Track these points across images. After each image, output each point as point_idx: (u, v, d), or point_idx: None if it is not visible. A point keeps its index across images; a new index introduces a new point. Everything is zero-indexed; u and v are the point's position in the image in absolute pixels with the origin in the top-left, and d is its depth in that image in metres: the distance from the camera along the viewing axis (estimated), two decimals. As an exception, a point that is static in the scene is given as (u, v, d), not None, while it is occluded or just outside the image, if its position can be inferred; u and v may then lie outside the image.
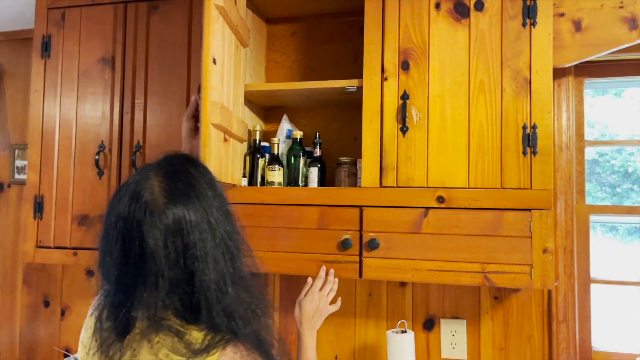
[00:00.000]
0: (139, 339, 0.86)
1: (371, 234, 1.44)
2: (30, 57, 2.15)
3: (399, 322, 1.61)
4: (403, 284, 1.74)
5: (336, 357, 1.78)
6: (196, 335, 0.85)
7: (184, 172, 0.91)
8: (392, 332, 1.57)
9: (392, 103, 1.45)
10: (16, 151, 2.13)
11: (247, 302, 0.90)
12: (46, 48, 1.72)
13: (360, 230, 1.45)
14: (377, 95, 1.47)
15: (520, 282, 1.34)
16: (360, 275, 1.44)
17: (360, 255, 1.44)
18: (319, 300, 1.31)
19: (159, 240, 0.83)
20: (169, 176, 0.89)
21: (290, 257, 1.50)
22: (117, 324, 0.87)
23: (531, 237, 1.33)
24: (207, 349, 0.83)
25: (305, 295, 1.43)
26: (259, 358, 0.86)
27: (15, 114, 2.17)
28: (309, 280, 1.45)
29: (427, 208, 1.40)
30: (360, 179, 1.54)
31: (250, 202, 1.54)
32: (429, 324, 1.71)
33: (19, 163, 2.12)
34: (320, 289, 1.44)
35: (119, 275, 0.87)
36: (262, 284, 1.00)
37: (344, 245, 1.44)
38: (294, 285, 1.83)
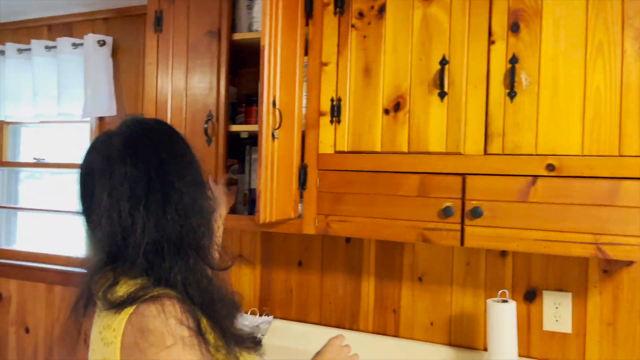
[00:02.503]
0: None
1: (474, 202, 1.41)
2: (140, 32, 2.30)
3: (500, 292, 1.59)
4: (504, 254, 1.70)
5: (432, 324, 1.79)
6: (122, 288, 0.89)
7: (142, 134, 0.99)
8: (493, 301, 1.56)
9: (499, 67, 1.40)
10: (130, 121, 2.30)
11: (191, 266, 0.93)
12: (158, 23, 1.83)
13: (463, 198, 1.43)
14: (482, 59, 1.42)
15: (637, 254, 1.27)
16: (462, 243, 1.43)
17: (462, 223, 1.43)
18: (340, 350, 1.17)
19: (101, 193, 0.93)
20: (126, 138, 0.98)
21: (389, 224, 1.52)
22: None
23: (652, 208, 1.25)
24: (121, 305, 0.86)
25: (330, 341, 1.20)
26: (178, 322, 0.85)
27: (128, 86, 2.34)
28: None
29: (536, 176, 1.35)
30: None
31: (349, 169, 1.57)
32: (531, 295, 1.67)
33: (132, 132, 2.30)
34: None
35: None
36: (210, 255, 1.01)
37: (445, 213, 1.44)
38: (389, 252, 1.86)
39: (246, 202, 1.94)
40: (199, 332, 0.87)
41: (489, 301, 1.56)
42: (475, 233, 1.41)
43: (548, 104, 1.36)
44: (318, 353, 1.15)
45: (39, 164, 2.61)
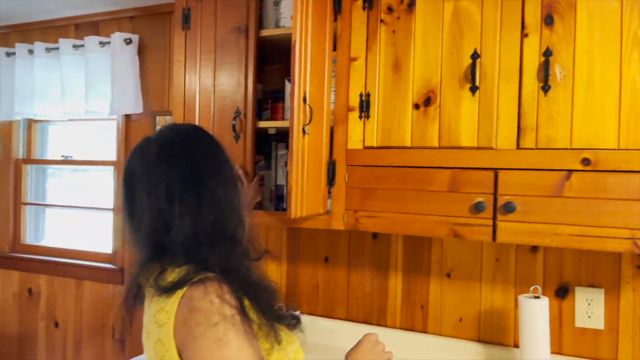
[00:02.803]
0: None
1: (507, 197, 1.40)
2: (166, 29, 2.32)
3: (532, 288, 1.57)
4: (534, 249, 1.69)
5: (460, 320, 1.79)
6: (171, 275, 0.97)
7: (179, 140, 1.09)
8: (525, 297, 1.54)
9: (532, 61, 1.39)
10: (157, 117, 2.32)
11: (227, 253, 1.02)
12: (186, 20, 1.84)
13: (495, 193, 1.42)
14: (515, 52, 1.41)
15: (676, 250, 1.25)
16: (494, 238, 1.42)
17: (494, 218, 1.42)
18: (375, 344, 1.19)
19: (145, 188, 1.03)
20: (162, 143, 1.07)
21: (419, 219, 1.51)
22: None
23: (692, 203, 1.22)
24: (171, 289, 0.94)
25: (365, 336, 1.21)
26: (223, 302, 0.92)
27: (154, 84, 2.36)
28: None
29: (570, 171, 1.34)
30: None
31: (378, 164, 1.57)
32: (562, 292, 1.65)
33: (159, 129, 2.32)
34: None
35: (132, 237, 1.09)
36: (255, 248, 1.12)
37: (477, 208, 1.43)
38: (416, 248, 1.85)
39: (272, 198, 1.95)
40: (242, 311, 0.95)
41: (520, 297, 1.55)
42: (507, 228, 1.40)
43: (583, 97, 1.34)
44: (355, 347, 1.18)
45: (66, 161, 2.65)
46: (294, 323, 1.11)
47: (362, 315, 1.94)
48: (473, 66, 1.44)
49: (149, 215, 1.01)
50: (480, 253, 1.76)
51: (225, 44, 1.81)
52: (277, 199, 1.92)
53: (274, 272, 2.10)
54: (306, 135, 1.48)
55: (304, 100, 1.46)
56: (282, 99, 1.89)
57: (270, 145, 1.94)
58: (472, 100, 1.45)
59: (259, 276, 1.08)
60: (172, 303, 0.94)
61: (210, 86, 1.83)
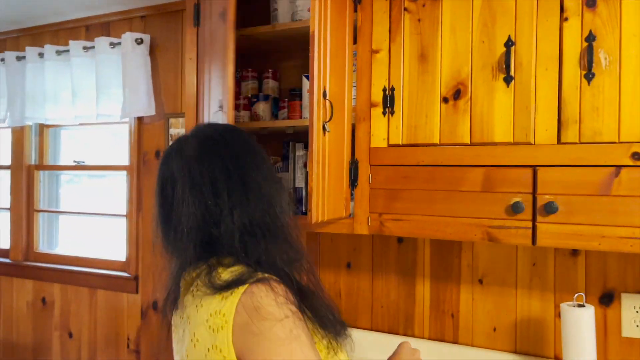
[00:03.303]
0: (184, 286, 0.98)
1: (547, 196, 1.28)
2: (178, 28, 2.24)
3: (576, 295, 1.45)
4: (575, 253, 1.56)
5: (495, 329, 1.66)
6: (224, 274, 0.92)
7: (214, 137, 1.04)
8: (568, 305, 1.42)
9: (573, 46, 1.27)
10: (170, 120, 2.24)
11: (282, 250, 0.97)
12: (197, 17, 1.75)
13: (534, 192, 1.30)
14: (554, 38, 1.29)
15: None
16: (534, 242, 1.30)
17: (534, 220, 1.30)
18: (413, 352, 1.12)
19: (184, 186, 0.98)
20: (201, 139, 1.04)
21: (450, 222, 1.40)
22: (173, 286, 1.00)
23: None
24: (229, 287, 0.89)
25: (402, 344, 1.16)
26: (286, 300, 0.89)
27: (167, 85, 2.28)
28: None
29: (619, 166, 1.21)
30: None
31: (404, 163, 1.46)
32: (607, 299, 1.52)
33: (172, 131, 2.24)
34: None
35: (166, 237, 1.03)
36: (300, 237, 1.07)
37: (514, 209, 1.31)
38: (445, 252, 1.73)
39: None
40: (301, 310, 0.92)
41: (563, 305, 1.43)
42: (549, 231, 1.28)
43: (631, 85, 1.21)
44: (393, 354, 1.12)
45: (79, 167, 2.59)
46: (343, 332, 1.04)
47: (387, 324, 1.83)
48: (507, 54, 1.32)
49: (195, 212, 0.96)
50: (515, 257, 1.64)
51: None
52: (296, 202, 1.82)
53: (294, 279, 1.99)
54: (327, 134, 1.38)
55: (324, 95, 1.36)
56: (300, 96, 1.80)
57: (287, 146, 1.84)
58: (507, 92, 1.33)
59: (313, 280, 1.03)
60: (229, 305, 0.88)
61: (224, 84, 1.73)
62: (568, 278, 1.57)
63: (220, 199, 0.96)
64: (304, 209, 1.79)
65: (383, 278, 1.84)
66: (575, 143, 1.26)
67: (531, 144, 1.31)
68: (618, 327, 1.50)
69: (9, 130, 2.69)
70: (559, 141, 1.28)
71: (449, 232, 1.40)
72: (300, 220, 1.63)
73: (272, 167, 1.09)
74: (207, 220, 0.96)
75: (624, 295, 1.50)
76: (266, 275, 0.92)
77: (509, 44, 1.32)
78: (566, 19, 1.27)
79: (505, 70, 1.33)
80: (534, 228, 1.30)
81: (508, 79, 1.33)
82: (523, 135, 1.32)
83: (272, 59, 2.02)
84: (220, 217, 0.95)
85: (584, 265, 1.55)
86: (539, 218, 1.29)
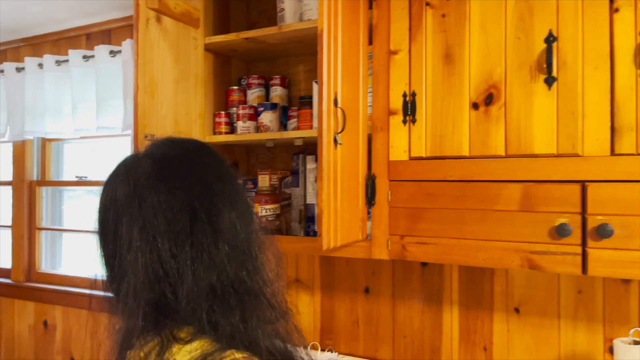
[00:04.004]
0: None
1: (599, 217, 1.09)
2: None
3: (632, 330, 1.24)
4: (626, 281, 1.36)
5: (534, 365, 1.46)
6: (179, 355, 0.68)
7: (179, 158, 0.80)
8: (622, 341, 1.22)
9: (626, 42, 1.08)
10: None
11: (265, 317, 0.74)
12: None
13: (583, 212, 1.11)
14: (604, 32, 1.10)
15: None
16: (584, 271, 1.10)
17: (584, 244, 1.10)
18: None
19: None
20: (157, 159, 0.78)
21: (484, 246, 1.21)
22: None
23: None
24: None
25: None
26: None
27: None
28: None
29: (689, 182, 1.02)
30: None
31: (429, 178, 1.28)
32: (667, 333, 1.31)
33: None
34: None
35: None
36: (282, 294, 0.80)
37: (560, 232, 1.12)
38: (476, 277, 1.54)
39: (302, 220, 1.68)
40: None
41: (616, 342, 1.22)
42: (602, 258, 1.08)
43: (701, 84, 1.02)
44: None
45: (81, 182, 2.46)
46: None
47: (410, 356, 1.64)
48: (548, 52, 1.14)
49: (144, 264, 0.71)
50: (557, 284, 1.44)
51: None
52: (307, 220, 1.65)
53: (306, 303, 1.82)
54: (338, 146, 1.21)
55: (335, 103, 1.19)
56: (311, 104, 1.63)
57: (297, 159, 1.68)
58: (549, 95, 1.15)
59: (290, 346, 0.78)
60: None
61: (227, 93, 1.58)
62: (619, 308, 1.36)
63: (179, 247, 0.71)
64: (316, 229, 1.62)
65: (405, 305, 1.65)
66: (632, 154, 1.07)
67: (579, 156, 1.12)
68: (681, 366, 1.29)
69: (10, 144, 2.58)
70: (612, 152, 1.09)
71: (481, 258, 1.22)
72: (309, 243, 1.46)
73: (247, 196, 0.84)
74: (160, 277, 0.70)
75: (687, 329, 1.29)
76: (237, 356, 0.67)
77: (550, 39, 1.14)
78: (616, 10, 1.09)
79: (547, 70, 1.14)
80: (584, 254, 1.11)
81: (550, 81, 1.14)
82: (569, 146, 1.13)
83: (279, 64, 1.87)
84: (178, 274, 0.70)
85: (637, 294, 1.34)
86: (589, 242, 1.10)
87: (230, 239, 0.74)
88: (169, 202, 0.73)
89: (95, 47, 2.16)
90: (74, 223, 2.60)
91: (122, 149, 2.37)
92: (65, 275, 2.48)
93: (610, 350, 1.36)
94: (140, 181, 0.75)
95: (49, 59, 2.30)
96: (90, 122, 2.21)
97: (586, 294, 1.40)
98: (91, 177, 2.44)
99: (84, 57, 2.22)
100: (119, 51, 2.14)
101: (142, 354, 0.70)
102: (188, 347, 0.68)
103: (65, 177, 2.59)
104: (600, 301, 1.38)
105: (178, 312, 0.70)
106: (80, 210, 2.61)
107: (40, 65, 2.33)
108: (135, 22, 1.35)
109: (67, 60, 2.26)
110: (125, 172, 0.78)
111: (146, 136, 1.38)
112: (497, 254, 1.20)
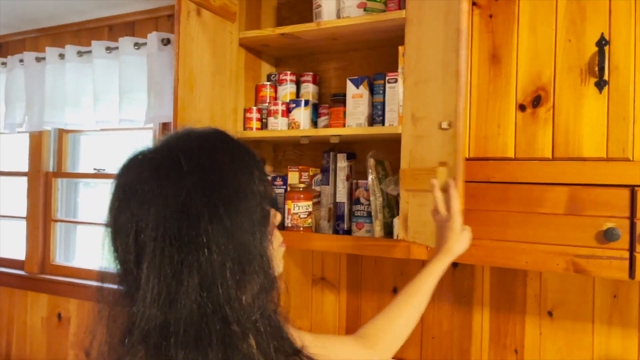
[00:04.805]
0: None
1: (649, 222, 1.09)
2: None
3: (675, 338, 1.24)
4: (663, 286, 1.36)
5: (566, 369, 1.46)
6: None
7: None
8: (664, 349, 1.22)
9: (683, 46, 1.07)
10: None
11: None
12: (234, 12, 1.59)
13: (632, 217, 1.10)
14: (658, 37, 1.09)
15: None
16: (632, 275, 1.10)
17: (632, 249, 1.10)
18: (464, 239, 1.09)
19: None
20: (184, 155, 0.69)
21: (527, 249, 1.21)
22: None
23: None
24: None
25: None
26: None
27: (194, 89, 2.12)
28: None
29: None
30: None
31: (471, 179, 1.27)
32: None
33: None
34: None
35: None
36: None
37: (608, 236, 1.11)
38: (508, 279, 1.54)
39: (330, 218, 1.67)
40: None
41: (658, 349, 1.22)
42: (651, 263, 1.08)
43: None
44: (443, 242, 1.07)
45: (99, 175, 2.44)
46: None
47: (438, 357, 1.63)
48: (600, 55, 1.13)
49: (146, 276, 0.63)
50: (592, 288, 1.44)
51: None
52: (337, 219, 1.64)
53: (332, 303, 1.81)
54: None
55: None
56: (344, 102, 1.62)
57: (329, 157, 1.67)
58: (599, 99, 1.14)
59: None
60: None
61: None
62: (656, 314, 1.36)
63: (183, 265, 0.63)
64: (345, 227, 1.61)
65: (434, 306, 1.64)
66: (685, 159, 1.07)
67: (629, 160, 1.11)
68: None
69: (27, 135, 2.55)
70: (664, 157, 1.09)
71: (524, 261, 1.21)
72: (345, 241, 1.45)
73: (265, 201, 0.73)
74: (155, 294, 0.63)
75: None
76: None
77: (602, 43, 1.13)
78: (674, 13, 1.08)
79: (598, 73, 1.14)
80: (631, 259, 1.10)
81: (601, 84, 1.14)
82: (619, 150, 1.12)
83: (308, 61, 1.86)
84: (179, 291, 0.63)
85: (675, 300, 1.34)
86: (638, 247, 1.09)
87: (247, 253, 0.66)
88: (188, 199, 0.65)
89: (120, 39, 2.14)
90: (88, 215, 2.58)
91: (144, 142, 2.35)
92: (79, 267, 2.46)
93: (646, 356, 1.36)
94: (158, 175, 0.68)
95: (70, 50, 2.27)
96: (112, 114, 2.19)
97: (622, 299, 1.40)
98: (109, 170, 2.42)
99: (107, 48, 2.20)
100: (144, 44, 2.12)
101: None
102: None
103: (81, 169, 2.57)
104: (637, 306, 1.38)
105: (173, 330, 0.62)
106: (96, 203, 2.58)
107: (62, 56, 2.31)
108: (177, 15, 1.34)
109: (89, 52, 2.24)
110: (142, 164, 0.71)
111: (185, 130, 1.36)
112: (540, 257, 1.19)
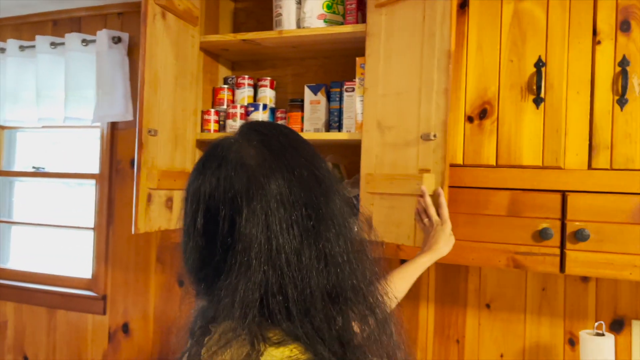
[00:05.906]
0: None
1: (577, 223, 1.24)
2: (160, 29, 2.08)
3: (597, 324, 1.41)
4: (585, 279, 1.53)
5: (502, 356, 1.61)
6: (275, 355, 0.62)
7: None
8: (587, 333, 1.39)
9: (606, 71, 1.24)
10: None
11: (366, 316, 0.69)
12: (196, 16, 1.62)
13: (563, 218, 1.26)
14: (586, 61, 1.25)
15: None
16: (562, 270, 1.25)
17: (562, 247, 1.26)
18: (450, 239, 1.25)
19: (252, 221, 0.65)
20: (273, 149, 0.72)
21: (474, 247, 1.34)
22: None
23: None
24: None
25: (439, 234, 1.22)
26: None
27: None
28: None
29: (654, 195, 1.19)
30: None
31: (423, 184, 1.38)
32: (618, 326, 1.50)
33: (151, 139, 2.06)
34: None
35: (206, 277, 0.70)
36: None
37: (543, 235, 1.26)
38: (451, 275, 1.67)
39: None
40: None
41: (582, 334, 1.39)
42: (578, 259, 1.24)
43: (665, 112, 1.20)
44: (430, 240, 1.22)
45: (38, 174, 2.35)
46: None
47: (387, 350, 1.74)
48: (538, 75, 1.28)
49: (259, 263, 0.64)
50: (525, 282, 1.60)
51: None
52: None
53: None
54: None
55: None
56: (301, 107, 1.69)
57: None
58: (537, 114, 1.29)
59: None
60: None
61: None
62: (578, 304, 1.54)
63: (305, 244, 0.65)
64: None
65: (384, 301, 1.75)
66: (607, 169, 1.23)
67: (561, 169, 1.27)
68: (629, 355, 1.49)
69: (-43, 130, 2.41)
70: (589, 166, 1.25)
71: (471, 258, 1.34)
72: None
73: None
74: (278, 275, 0.64)
75: (635, 323, 1.48)
76: None
77: (540, 64, 1.28)
78: (599, 42, 1.25)
79: (536, 91, 1.28)
80: (562, 255, 1.26)
81: (538, 101, 1.28)
82: (553, 159, 1.27)
83: (265, 65, 1.91)
84: (299, 274, 0.64)
85: (594, 292, 1.53)
86: (568, 245, 1.25)
87: (347, 236, 0.69)
88: (292, 195, 0.67)
89: (67, 35, 2.09)
90: (24, 215, 2.47)
91: (89, 141, 2.29)
92: (16, 270, 2.36)
93: (570, 342, 1.54)
94: (256, 171, 0.68)
95: (12, 44, 2.19)
96: (57, 111, 2.13)
97: (550, 291, 1.57)
98: (48, 169, 2.34)
99: (52, 44, 2.14)
100: (92, 41, 2.08)
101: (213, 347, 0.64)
102: (276, 351, 0.62)
103: (18, 167, 2.46)
104: (562, 297, 1.56)
105: (275, 313, 0.64)
106: (34, 202, 2.48)
107: (2, 50, 2.21)
108: (144, 17, 1.35)
109: (32, 46, 2.16)
110: (233, 161, 0.70)
111: (149, 131, 1.38)
112: (485, 254, 1.33)
